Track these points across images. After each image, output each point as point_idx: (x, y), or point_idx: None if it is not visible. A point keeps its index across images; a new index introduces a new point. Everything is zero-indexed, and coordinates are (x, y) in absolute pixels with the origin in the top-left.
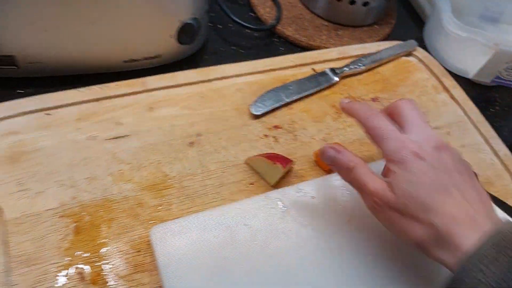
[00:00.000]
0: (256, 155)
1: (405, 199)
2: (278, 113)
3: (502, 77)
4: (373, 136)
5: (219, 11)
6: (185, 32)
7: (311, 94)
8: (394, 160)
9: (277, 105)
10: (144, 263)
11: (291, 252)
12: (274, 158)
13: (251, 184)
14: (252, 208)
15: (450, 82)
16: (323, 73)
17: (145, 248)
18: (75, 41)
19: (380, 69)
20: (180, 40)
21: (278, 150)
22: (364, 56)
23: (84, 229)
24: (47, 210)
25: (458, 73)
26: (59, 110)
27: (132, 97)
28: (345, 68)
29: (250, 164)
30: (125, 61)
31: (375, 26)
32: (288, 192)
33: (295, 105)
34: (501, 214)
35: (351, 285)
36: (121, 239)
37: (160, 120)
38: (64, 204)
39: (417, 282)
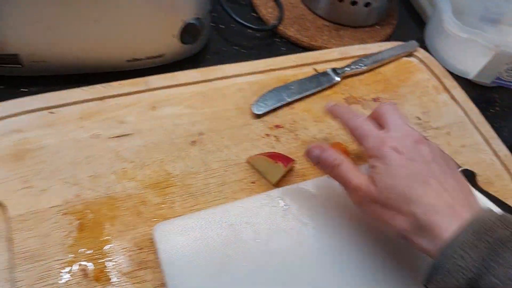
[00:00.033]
0: (258, 154)
1: (387, 191)
2: (279, 112)
3: (502, 78)
4: (356, 135)
5: (221, 12)
6: (187, 32)
7: (313, 94)
8: (375, 155)
9: (278, 104)
10: (147, 261)
11: (292, 250)
12: (275, 157)
13: (252, 182)
14: (254, 206)
15: (451, 83)
16: (325, 73)
17: (148, 246)
18: (78, 40)
19: (381, 69)
20: (182, 40)
21: (280, 149)
22: (366, 56)
23: (87, 226)
24: (51, 207)
25: (458, 74)
26: (62, 108)
27: (135, 96)
28: (346, 68)
29: (251, 163)
30: (128, 61)
31: (377, 26)
32: (290, 191)
33: (296, 105)
34: (482, 198)
35: (351, 283)
36: (124, 237)
37: (163, 119)
38: (68, 201)
39: (417, 280)
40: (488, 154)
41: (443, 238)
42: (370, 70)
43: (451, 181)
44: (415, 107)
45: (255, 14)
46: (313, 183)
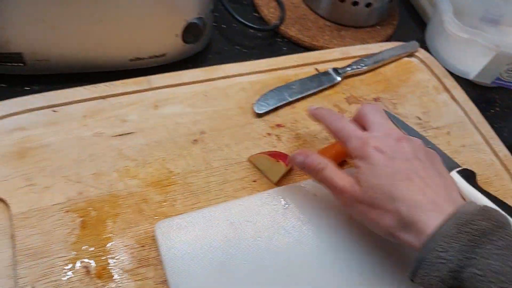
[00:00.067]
0: (259, 153)
1: (372, 191)
2: (281, 112)
3: (502, 79)
4: (339, 137)
5: (223, 11)
6: (190, 32)
7: (314, 94)
8: (358, 156)
9: (280, 104)
10: (149, 258)
11: (293, 248)
12: (276, 156)
13: (254, 181)
14: (255, 205)
15: (451, 83)
16: (326, 73)
17: (150, 243)
18: (82, 39)
19: (382, 69)
20: (185, 39)
21: (281, 148)
22: (367, 56)
23: (90, 224)
24: (54, 205)
25: (459, 74)
26: (65, 107)
27: (137, 95)
28: (347, 68)
29: (253, 162)
30: (131, 60)
31: (377, 27)
32: (291, 190)
33: (298, 104)
34: (482, 198)
35: (352, 281)
36: (126, 234)
37: (165, 117)
38: (70, 199)
39: None
40: (488, 154)
41: (426, 233)
42: (371, 70)
43: (433, 176)
44: (415, 107)
45: (257, 14)
46: (314, 182)
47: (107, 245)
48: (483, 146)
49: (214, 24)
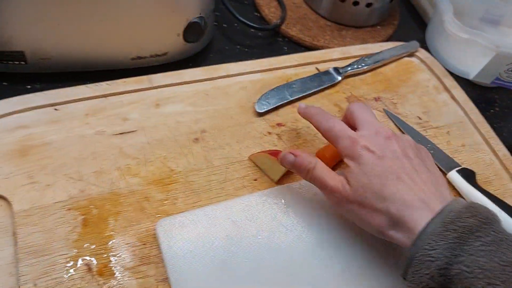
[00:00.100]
0: (260, 152)
1: (362, 190)
2: (281, 111)
3: (502, 79)
4: (329, 137)
5: (224, 11)
6: (191, 31)
7: (315, 93)
8: (348, 155)
9: (280, 103)
10: (150, 256)
11: (294, 246)
12: (277, 154)
13: (254, 180)
14: (255, 203)
15: (451, 83)
16: (327, 72)
17: (151, 241)
18: (83, 38)
19: (382, 69)
20: (186, 38)
21: (281, 147)
22: (367, 56)
23: (91, 222)
24: (56, 202)
25: (459, 74)
26: (67, 105)
27: (139, 93)
28: (348, 68)
29: (253, 161)
30: (133, 59)
31: (378, 27)
32: (291, 188)
33: (298, 104)
34: (481, 197)
35: (352, 279)
36: (127, 232)
37: (166, 116)
38: (72, 197)
39: None
40: (487, 153)
41: (416, 231)
42: (371, 69)
43: (422, 174)
44: (415, 107)
45: (258, 14)
46: None
47: (109, 243)
48: (483, 146)
49: (215, 23)
